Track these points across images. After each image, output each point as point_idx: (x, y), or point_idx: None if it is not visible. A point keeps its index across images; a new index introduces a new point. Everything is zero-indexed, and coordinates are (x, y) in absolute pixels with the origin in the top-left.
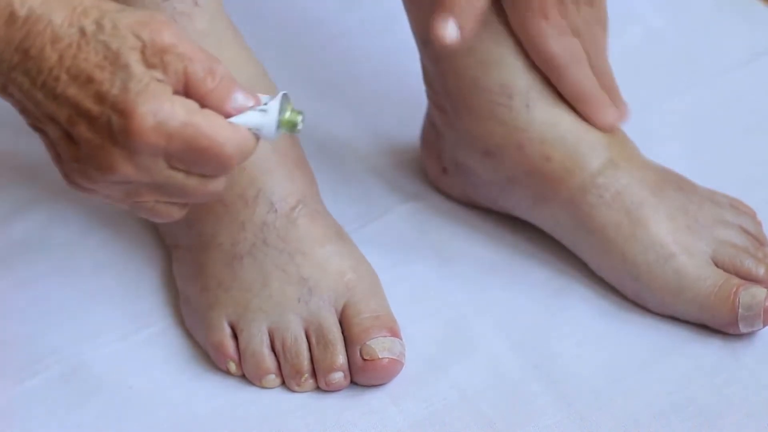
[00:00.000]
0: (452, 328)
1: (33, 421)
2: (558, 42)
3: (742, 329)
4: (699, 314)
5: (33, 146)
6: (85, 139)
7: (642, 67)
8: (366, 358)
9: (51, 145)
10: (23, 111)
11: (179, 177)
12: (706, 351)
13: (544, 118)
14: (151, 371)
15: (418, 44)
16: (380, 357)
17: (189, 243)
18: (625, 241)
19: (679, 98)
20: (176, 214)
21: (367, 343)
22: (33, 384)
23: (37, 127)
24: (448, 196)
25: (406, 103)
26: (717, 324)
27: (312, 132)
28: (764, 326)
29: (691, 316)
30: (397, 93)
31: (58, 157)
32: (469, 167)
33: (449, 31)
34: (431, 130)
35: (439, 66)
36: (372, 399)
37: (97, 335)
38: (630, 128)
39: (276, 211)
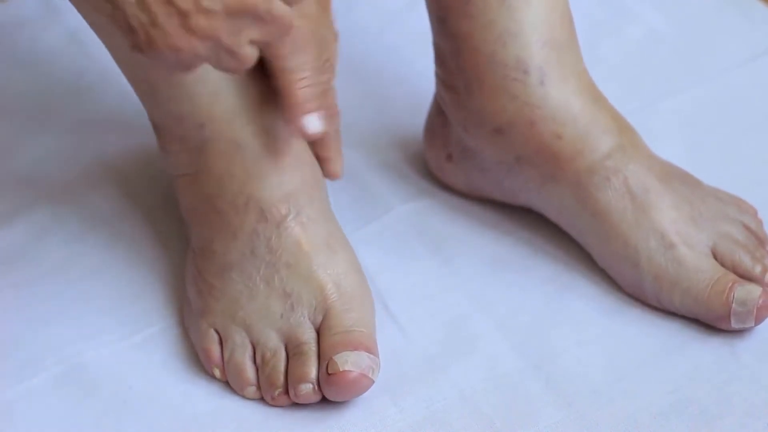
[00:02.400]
0: (452, 328)
1: (33, 421)
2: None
3: (734, 325)
4: (693, 305)
5: (33, 147)
6: None
7: (642, 67)
8: (330, 372)
9: (155, 4)
10: None
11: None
12: (706, 351)
13: (558, 96)
14: (150, 372)
15: (433, 22)
16: (342, 370)
17: (193, 245)
18: (628, 226)
19: (679, 98)
20: (254, 58)
21: (332, 357)
22: (33, 384)
23: (118, 3)
24: (451, 187)
25: (406, 101)
26: (709, 318)
27: None
28: (756, 324)
29: (685, 308)
30: (398, 92)
31: (167, 15)
32: (477, 149)
33: (316, 124)
34: (437, 118)
35: (455, 43)
36: (372, 399)
37: (97, 335)
38: None
39: (266, 219)
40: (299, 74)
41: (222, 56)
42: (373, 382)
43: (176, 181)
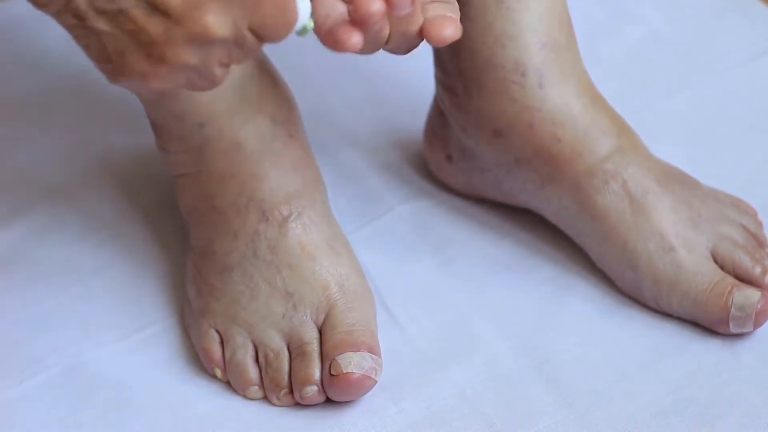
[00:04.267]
0: (452, 328)
1: (33, 421)
2: None
3: (732, 329)
4: (692, 309)
5: (33, 147)
6: (175, 3)
7: (642, 67)
8: (333, 373)
9: (127, 33)
10: (87, 13)
11: (245, 33)
12: (706, 351)
13: (557, 98)
14: (151, 371)
15: None
16: (345, 372)
17: (193, 244)
18: (627, 229)
19: (679, 98)
20: (225, 77)
21: (336, 358)
22: (33, 384)
23: (93, 29)
24: (451, 187)
25: (406, 101)
26: (708, 321)
27: (312, 131)
28: (754, 329)
29: (684, 311)
30: (398, 92)
31: (138, 43)
32: (476, 151)
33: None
34: (437, 119)
35: (453, 45)
36: (372, 399)
37: (97, 335)
38: None
39: (267, 220)
40: None
41: (194, 80)
42: (376, 382)
43: (176, 181)
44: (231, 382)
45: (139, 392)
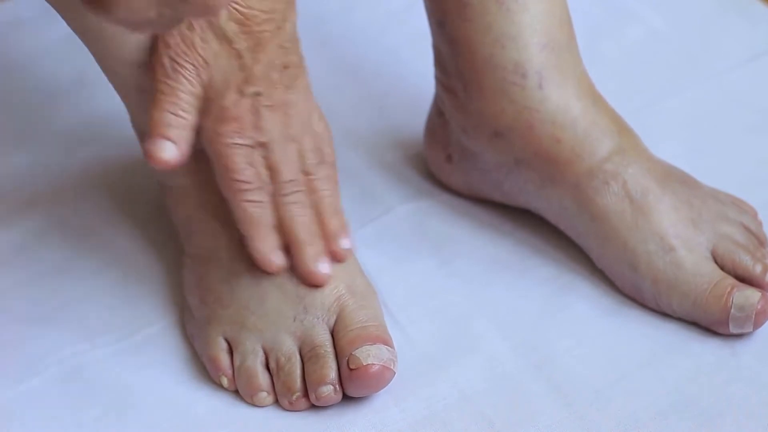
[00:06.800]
0: (452, 328)
1: (33, 421)
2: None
3: (732, 330)
4: (692, 310)
5: (33, 147)
6: None
7: (642, 67)
8: (352, 367)
9: None
10: None
11: None
12: (706, 351)
13: (557, 100)
14: (150, 371)
15: (432, 26)
16: (365, 364)
17: (191, 252)
18: (627, 229)
19: (679, 98)
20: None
21: (353, 352)
22: (33, 384)
23: None
24: (451, 188)
25: (406, 101)
26: (708, 322)
27: None
28: (754, 329)
29: (683, 312)
30: (398, 92)
31: None
32: (476, 152)
33: (167, 152)
34: (437, 119)
35: (454, 46)
36: (372, 399)
37: (97, 335)
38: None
39: None
40: (167, 97)
41: (177, 7)
42: (395, 374)
43: (170, 191)
44: (239, 389)
45: (138, 393)
